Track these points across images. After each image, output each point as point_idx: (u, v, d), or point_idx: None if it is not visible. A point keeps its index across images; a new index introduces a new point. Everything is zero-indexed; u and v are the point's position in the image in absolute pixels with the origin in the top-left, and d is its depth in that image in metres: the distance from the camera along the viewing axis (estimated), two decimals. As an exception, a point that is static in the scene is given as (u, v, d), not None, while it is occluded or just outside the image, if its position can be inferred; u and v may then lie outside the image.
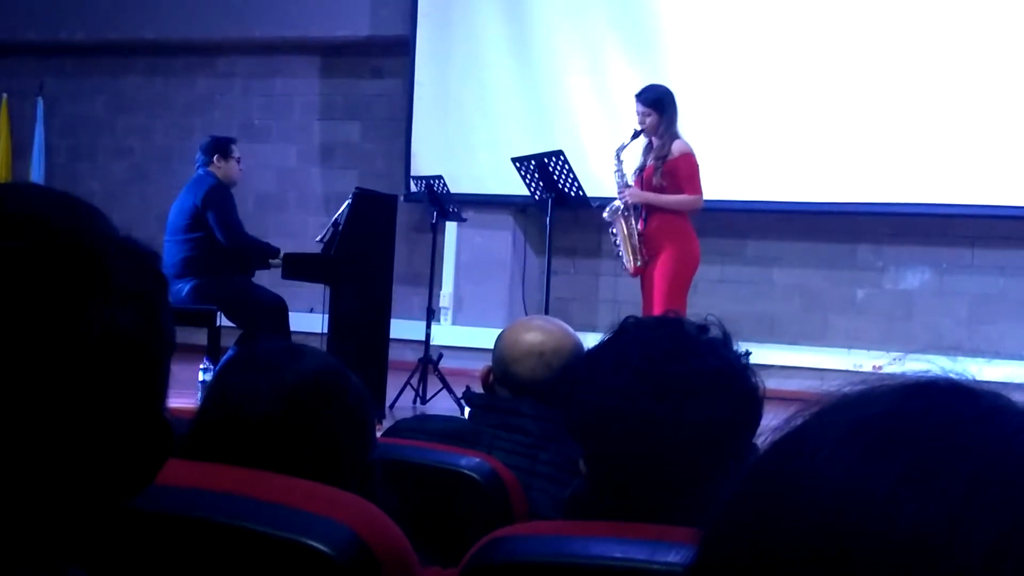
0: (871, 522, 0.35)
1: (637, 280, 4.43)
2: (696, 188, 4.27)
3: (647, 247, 4.33)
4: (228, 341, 4.44)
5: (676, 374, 1.01)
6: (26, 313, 0.51)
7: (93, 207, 0.58)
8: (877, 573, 0.35)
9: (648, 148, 4.35)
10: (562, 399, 1.12)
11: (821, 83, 5.59)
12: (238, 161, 4.87)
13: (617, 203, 4.35)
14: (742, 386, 1.04)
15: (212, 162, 4.79)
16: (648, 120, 4.27)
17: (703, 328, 1.07)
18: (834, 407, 0.40)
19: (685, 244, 4.29)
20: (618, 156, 4.38)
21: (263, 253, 4.80)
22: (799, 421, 0.40)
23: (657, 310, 4.13)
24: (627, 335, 1.07)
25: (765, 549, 0.37)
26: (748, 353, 1.07)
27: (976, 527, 0.34)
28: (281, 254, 4.75)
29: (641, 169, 4.37)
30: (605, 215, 4.37)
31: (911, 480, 0.36)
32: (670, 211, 4.29)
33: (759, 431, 1.01)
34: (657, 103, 4.27)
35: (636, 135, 4.33)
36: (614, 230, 4.38)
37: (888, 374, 0.41)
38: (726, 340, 1.07)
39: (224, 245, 4.67)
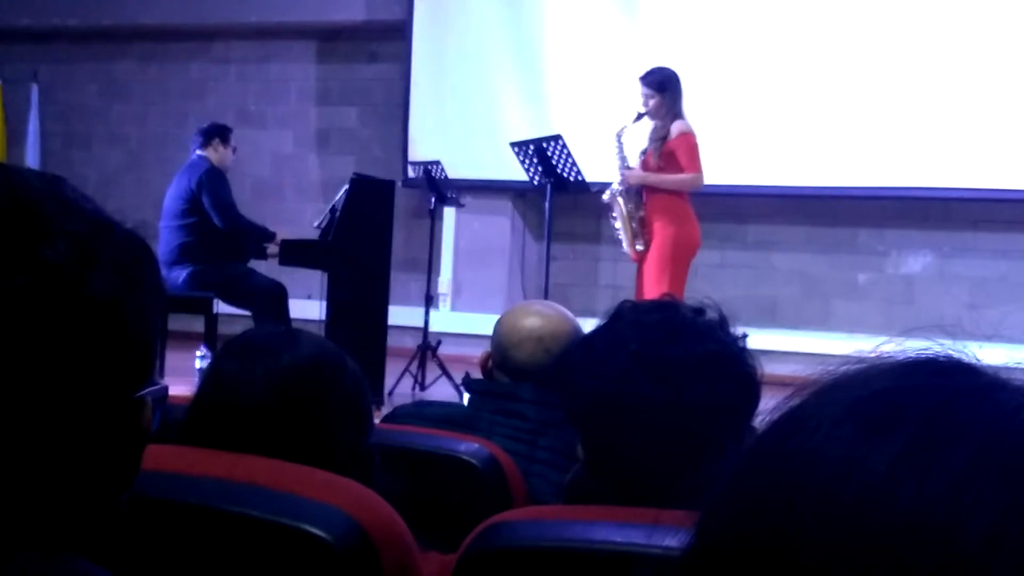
0: (870, 501, 0.35)
1: (636, 264, 4.42)
2: (695, 166, 4.26)
3: (647, 229, 4.32)
4: (225, 328, 4.43)
5: (674, 358, 1.01)
6: None
7: (44, 177, 0.57)
8: (877, 552, 0.34)
9: (653, 131, 4.34)
10: (559, 385, 1.12)
11: (823, 67, 5.57)
12: (234, 150, 4.91)
13: (616, 185, 4.34)
14: (739, 369, 1.04)
15: (210, 145, 4.81)
16: (651, 103, 4.25)
17: (699, 311, 1.06)
18: (832, 386, 0.40)
19: (682, 227, 4.28)
20: (619, 138, 4.36)
21: (259, 236, 4.81)
22: (797, 400, 0.40)
23: (648, 292, 4.12)
24: (623, 320, 1.06)
25: (763, 529, 0.37)
26: (745, 336, 1.06)
27: (976, 504, 0.34)
28: (278, 238, 4.76)
29: (645, 152, 4.35)
30: (604, 197, 4.36)
31: (910, 458, 0.36)
32: (669, 192, 4.28)
33: (757, 413, 1.01)
34: (660, 85, 4.26)
35: (639, 118, 4.31)
36: (614, 214, 4.37)
37: (887, 353, 0.40)
38: (723, 323, 1.06)
39: (221, 228, 4.67)
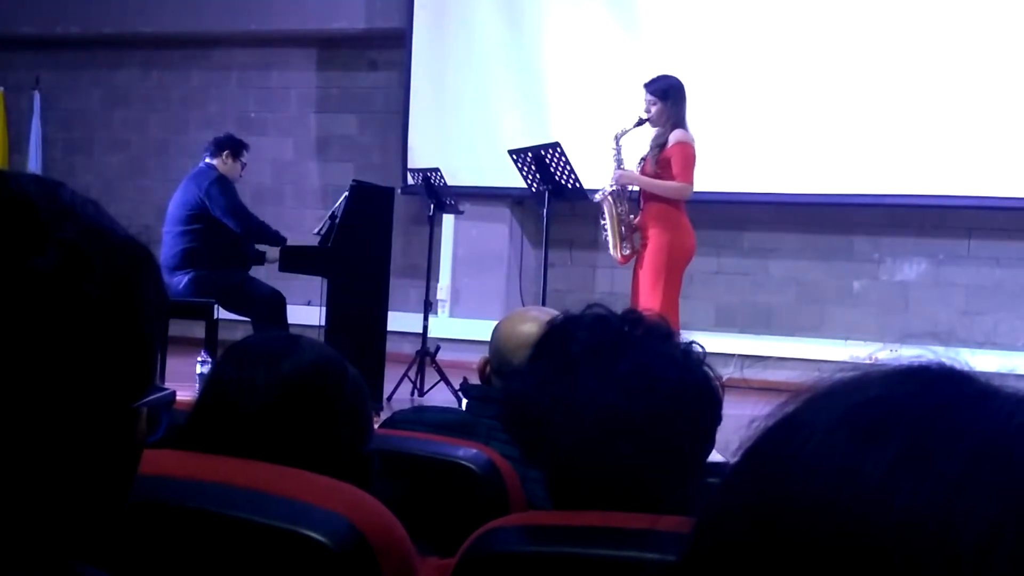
0: (865, 508, 0.35)
1: (632, 271, 4.43)
2: (686, 177, 4.26)
3: (639, 234, 4.33)
4: (226, 333, 4.44)
5: (661, 410, 0.99)
6: None
7: (42, 182, 0.57)
8: (872, 558, 0.35)
9: (653, 138, 4.35)
10: (517, 430, 1.08)
11: (818, 75, 5.58)
12: (243, 166, 4.94)
13: (608, 186, 4.35)
14: (709, 395, 1.02)
15: (220, 156, 4.84)
16: (654, 109, 4.27)
17: (637, 324, 1.03)
18: (826, 393, 0.40)
19: (676, 234, 4.28)
20: (617, 140, 4.37)
21: (272, 240, 4.85)
22: (792, 407, 0.40)
23: (644, 299, 4.12)
24: (584, 371, 1.00)
25: (759, 536, 0.37)
26: (692, 343, 1.04)
27: (970, 511, 0.34)
28: (287, 243, 4.83)
29: (644, 159, 4.37)
30: (596, 198, 4.37)
31: (904, 465, 0.36)
32: (664, 200, 4.29)
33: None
34: (663, 93, 4.27)
35: (640, 123, 4.32)
36: (604, 214, 4.38)
37: (881, 360, 0.41)
38: (669, 336, 1.03)
39: (239, 233, 4.72)
